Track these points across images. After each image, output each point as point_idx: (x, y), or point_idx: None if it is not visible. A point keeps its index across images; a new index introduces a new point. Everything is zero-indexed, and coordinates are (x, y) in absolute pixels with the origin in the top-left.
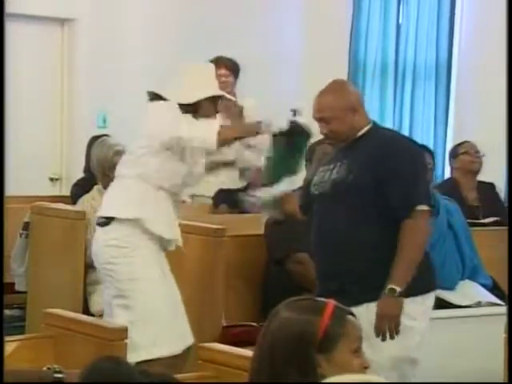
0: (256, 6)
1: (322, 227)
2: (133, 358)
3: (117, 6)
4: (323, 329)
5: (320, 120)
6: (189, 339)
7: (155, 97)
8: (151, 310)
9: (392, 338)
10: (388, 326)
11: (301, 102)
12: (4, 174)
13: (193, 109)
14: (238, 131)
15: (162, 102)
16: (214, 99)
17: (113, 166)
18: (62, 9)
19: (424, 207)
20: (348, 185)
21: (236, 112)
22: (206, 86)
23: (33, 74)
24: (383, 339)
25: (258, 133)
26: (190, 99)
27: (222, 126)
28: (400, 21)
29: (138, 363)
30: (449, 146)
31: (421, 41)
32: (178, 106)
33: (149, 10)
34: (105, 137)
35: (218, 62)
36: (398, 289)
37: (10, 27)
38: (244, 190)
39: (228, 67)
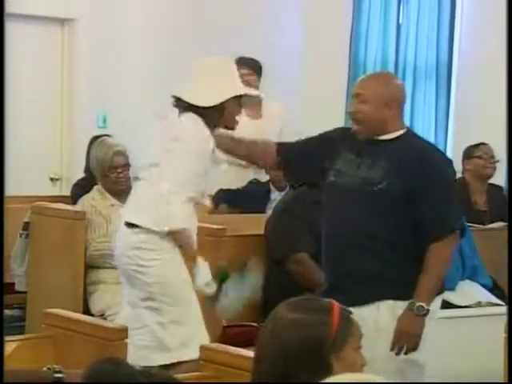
0: (256, 7)
1: (338, 227)
2: (162, 359)
3: (117, 6)
4: (335, 328)
5: (355, 96)
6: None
7: (179, 102)
8: (181, 313)
9: (406, 354)
10: (407, 344)
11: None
12: (4, 173)
13: (218, 111)
14: None
15: (188, 123)
16: (238, 97)
17: (113, 167)
18: (62, 9)
19: (456, 231)
20: (380, 189)
21: (255, 104)
22: (229, 84)
23: (33, 74)
24: (398, 354)
25: None
26: (214, 101)
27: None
28: (400, 21)
29: (166, 365)
30: (449, 146)
31: (421, 41)
32: (202, 117)
33: (149, 10)
34: (104, 137)
35: (240, 62)
36: (427, 307)
37: (10, 27)
38: (243, 190)
39: (250, 67)
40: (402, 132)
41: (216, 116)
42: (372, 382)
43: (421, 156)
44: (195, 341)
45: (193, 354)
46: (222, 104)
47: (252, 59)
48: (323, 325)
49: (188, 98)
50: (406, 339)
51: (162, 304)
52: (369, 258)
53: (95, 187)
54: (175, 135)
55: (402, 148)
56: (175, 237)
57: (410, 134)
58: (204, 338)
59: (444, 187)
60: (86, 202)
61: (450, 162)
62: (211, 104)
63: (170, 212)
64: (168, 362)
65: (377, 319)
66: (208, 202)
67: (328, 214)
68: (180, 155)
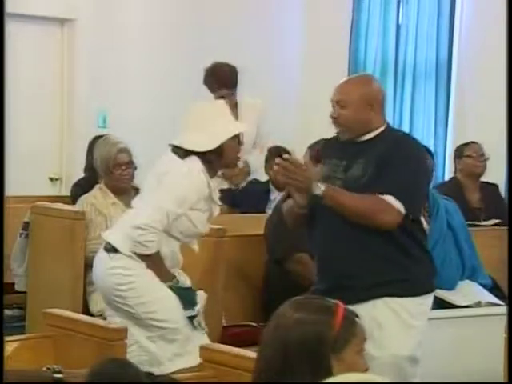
0: (257, 7)
1: (332, 224)
2: (158, 371)
3: (117, 6)
4: (337, 329)
5: (336, 103)
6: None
7: (178, 150)
8: (170, 326)
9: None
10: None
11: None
12: (4, 173)
13: (217, 153)
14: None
15: (183, 173)
16: (235, 136)
17: (117, 164)
18: (62, 9)
19: (401, 208)
20: (364, 184)
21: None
22: (224, 125)
23: (33, 74)
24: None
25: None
26: (212, 145)
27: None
28: (400, 20)
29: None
30: (449, 146)
31: (421, 40)
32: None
33: (149, 10)
34: (108, 134)
35: (214, 72)
36: (321, 191)
37: (10, 27)
38: (243, 190)
39: (225, 83)
40: (381, 129)
41: (216, 159)
42: (373, 382)
43: (394, 144)
44: (187, 350)
45: (186, 363)
46: (220, 146)
47: (226, 72)
48: (324, 325)
49: (186, 145)
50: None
51: (149, 321)
52: (363, 256)
53: (97, 186)
54: (167, 169)
55: (381, 144)
56: (146, 260)
57: (389, 129)
58: (195, 348)
59: (407, 165)
60: (85, 201)
61: (423, 150)
62: (209, 148)
63: (140, 239)
64: (164, 373)
65: (374, 316)
66: (196, 247)
67: (319, 217)
68: (168, 188)
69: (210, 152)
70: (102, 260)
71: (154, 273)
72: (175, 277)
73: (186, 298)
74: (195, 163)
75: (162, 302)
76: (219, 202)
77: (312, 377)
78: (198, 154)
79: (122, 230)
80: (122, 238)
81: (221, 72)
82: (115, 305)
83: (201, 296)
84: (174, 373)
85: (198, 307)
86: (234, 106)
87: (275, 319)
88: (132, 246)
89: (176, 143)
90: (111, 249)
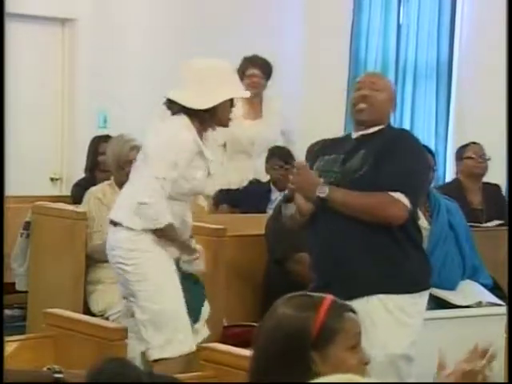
0: (257, 5)
1: (327, 221)
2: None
3: (117, 5)
4: (318, 326)
5: (371, 84)
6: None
7: (172, 104)
8: (161, 312)
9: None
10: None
11: None
12: (4, 174)
13: (211, 113)
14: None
15: (173, 130)
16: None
17: (128, 161)
18: (63, 9)
19: (407, 203)
20: (361, 175)
21: (257, 103)
22: (222, 86)
23: (33, 74)
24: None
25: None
26: (208, 104)
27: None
28: (401, 20)
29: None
30: (450, 146)
31: (422, 40)
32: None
33: (149, 9)
34: (122, 133)
35: (252, 60)
36: (326, 193)
37: (10, 27)
38: (243, 190)
39: (261, 68)
40: (383, 126)
41: (209, 117)
42: (357, 382)
43: (393, 138)
44: (177, 339)
45: (174, 352)
46: (215, 106)
47: (265, 60)
48: (304, 322)
49: (182, 100)
50: (300, 184)
51: (143, 301)
52: (358, 253)
53: (106, 182)
54: (151, 138)
55: (379, 138)
56: (160, 234)
57: (389, 127)
58: (188, 337)
59: (406, 158)
60: (92, 194)
61: (421, 144)
62: (205, 107)
63: (149, 214)
64: (150, 359)
65: (368, 313)
66: (203, 202)
67: (316, 214)
68: (157, 156)
69: (205, 110)
70: (109, 234)
71: (169, 245)
72: (195, 250)
73: (193, 303)
74: (180, 121)
75: (160, 284)
76: (212, 158)
77: (292, 374)
78: (191, 110)
79: (127, 207)
80: (128, 214)
81: (258, 58)
82: (119, 278)
83: (205, 311)
84: (157, 360)
85: (197, 325)
86: (259, 103)
87: (265, 317)
88: (143, 223)
89: (172, 97)
90: (115, 223)
